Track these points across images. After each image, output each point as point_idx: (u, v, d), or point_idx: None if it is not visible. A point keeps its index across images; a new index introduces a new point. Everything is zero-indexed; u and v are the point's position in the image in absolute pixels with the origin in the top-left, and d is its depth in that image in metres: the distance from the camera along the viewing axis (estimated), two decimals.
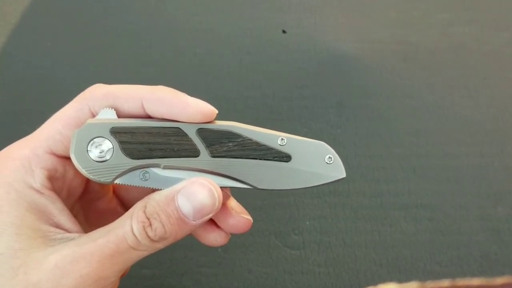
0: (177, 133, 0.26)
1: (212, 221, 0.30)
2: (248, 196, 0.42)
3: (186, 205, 0.25)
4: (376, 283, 0.39)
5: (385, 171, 0.44)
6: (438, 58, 0.51)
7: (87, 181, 0.29)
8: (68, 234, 0.25)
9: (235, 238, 0.41)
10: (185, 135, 0.26)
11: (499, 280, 0.36)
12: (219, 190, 0.26)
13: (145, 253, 0.25)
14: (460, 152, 0.45)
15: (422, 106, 0.48)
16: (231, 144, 0.26)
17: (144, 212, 0.25)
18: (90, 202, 0.30)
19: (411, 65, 0.51)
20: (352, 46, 0.51)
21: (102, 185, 0.31)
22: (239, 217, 0.29)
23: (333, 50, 0.51)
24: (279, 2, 0.55)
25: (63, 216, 0.26)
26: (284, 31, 0.53)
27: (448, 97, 0.49)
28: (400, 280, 0.39)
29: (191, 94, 0.27)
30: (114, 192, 0.32)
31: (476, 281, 0.38)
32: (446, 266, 0.40)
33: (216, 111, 0.27)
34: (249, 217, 0.30)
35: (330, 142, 0.27)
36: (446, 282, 0.36)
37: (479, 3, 0.55)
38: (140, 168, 0.26)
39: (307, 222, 0.42)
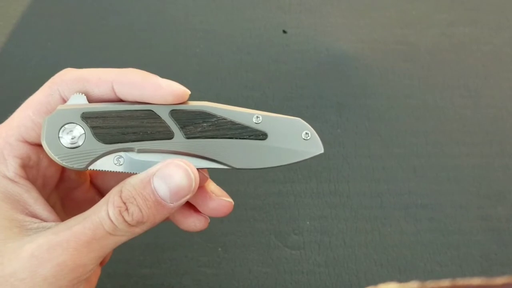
0: (149, 115, 0.26)
1: (190, 206, 0.29)
2: (248, 196, 0.42)
3: (162, 187, 0.24)
4: (376, 283, 0.39)
5: (385, 171, 0.44)
6: (438, 58, 0.51)
7: (63, 169, 0.29)
8: (44, 223, 0.25)
9: (235, 238, 0.41)
10: (158, 117, 0.26)
11: (499, 280, 0.36)
12: (195, 170, 0.25)
13: (123, 239, 0.25)
14: (460, 152, 0.45)
15: (422, 106, 0.48)
16: (205, 124, 0.26)
17: (120, 196, 0.24)
18: (67, 192, 0.30)
19: (411, 65, 0.51)
20: (352, 46, 0.51)
21: (79, 174, 0.30)
22: (220, 200, 0.29)
23: (333, 50, 0.51)
24: (279, 2, 0.55)
25: (39, 205, 0.25)
26: (284, 31, 0.53)
27: (448, 97, 0.49)
28: (400, 280, 0.39)
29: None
30: (92, 181, 0.31)
31: (476, 281, 0.38)
32: (446, 266, 0.40)
33: (189, 92, 0.26)
34: (230, 200, 0.29)
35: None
36: (446, 282, 0.36)
37: (479, 3, 0.55)
38: (113, 153, 0.25)
39: (307, 222, 0.42)
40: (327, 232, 0.41)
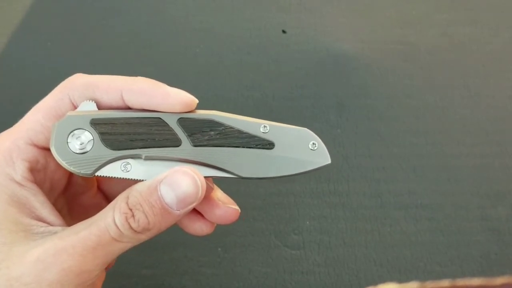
0: (157, 123, 0.26)
1: (196, 211, 0.29)
2: (248, 196, 0.42)
3: (169, 195, 0.24)
4: (376, 283, 0.39)
5: (385, 171, 0.44)
6: (438, 58, 0.51)
7: (70, 174, 0.29)
8: (50, 228, 0.25)
9: (235, 238, 0.41)
10: (166, 124, 0.26)
11: (499, 280, 0.36)
12: (202, 178, 0.25)
13: (129, 245, 0.25)
14: (460, 152, 0.45)
15: (422, 106, 0.48)
16: (212, 132, 0.26)
17: (127, 203, 0.24)
18: (74, 197, 0.30)
19: (411, 65, 0.51)
20: (352, 46, 0.51)
21: (86, 179, 0.30)
22: (226, 207, 0.29)
23: (333, 50, 0.51)
24: (279, 2, 0.55)
25: (45, 209, 0.25)
26: (284, 31, 0.53)
27: (448, 97, 0.49)
28: (400, 280, 0.39)
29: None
30: (99, 187, 0.32)
31: (476, 281, 0.39)
32: (446, 266, 0.40)
33: (197, 101, 0.26)
34: (237, 207, 0.30)
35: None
36: (446, 282, 0.36)
37: (479, 3, 0.55)
38: (121, 159, 0.25)
39: (307, 222, 0.42)
40: (326, 232, 0.41)
